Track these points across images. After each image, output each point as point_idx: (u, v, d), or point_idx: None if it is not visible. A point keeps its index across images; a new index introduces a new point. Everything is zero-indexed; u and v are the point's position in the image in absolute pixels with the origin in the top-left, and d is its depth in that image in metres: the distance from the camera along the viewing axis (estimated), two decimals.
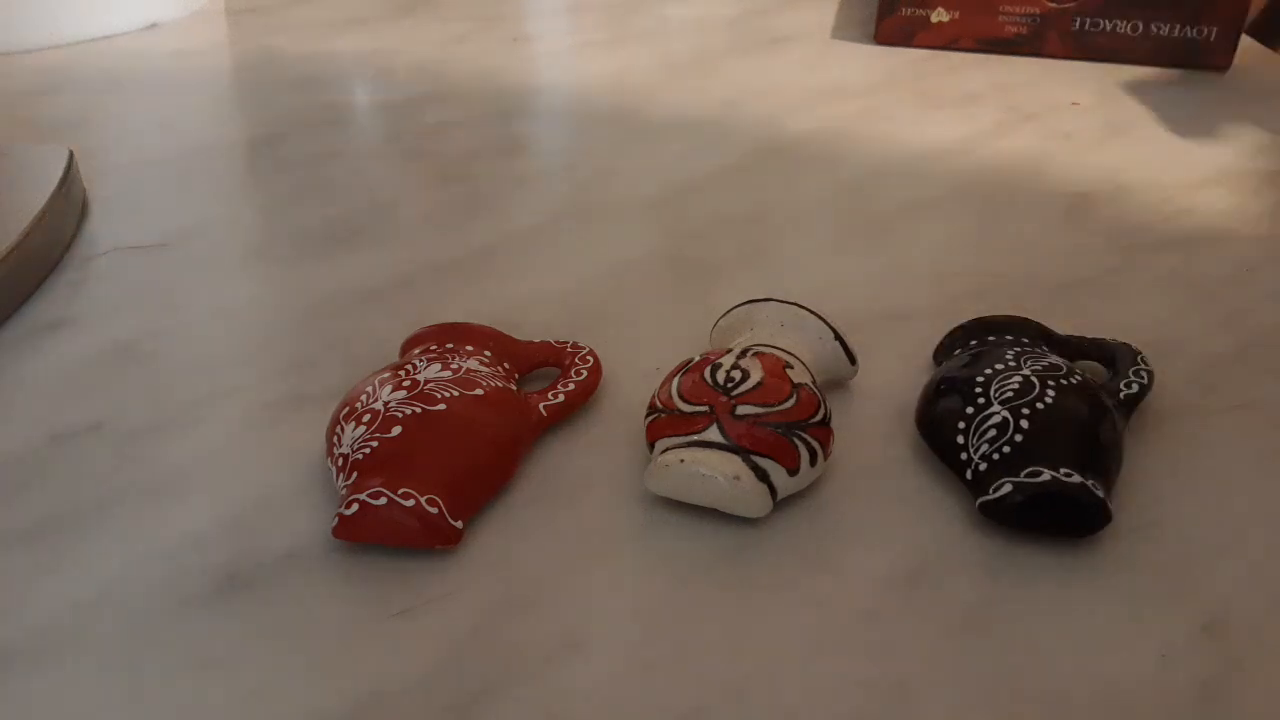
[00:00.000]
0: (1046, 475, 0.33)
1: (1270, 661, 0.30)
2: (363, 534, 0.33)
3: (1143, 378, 0.39)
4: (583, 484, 0.36)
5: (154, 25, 0.82)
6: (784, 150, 0.62)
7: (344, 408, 0.36)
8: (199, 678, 0.30)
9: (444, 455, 0.34)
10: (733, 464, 0.33)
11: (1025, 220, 0.54)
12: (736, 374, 0.35)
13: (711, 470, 0.33)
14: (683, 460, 0.34)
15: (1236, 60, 0.73)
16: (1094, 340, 0.41)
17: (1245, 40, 0.78)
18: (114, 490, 0.36)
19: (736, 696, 0.29)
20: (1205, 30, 0.72)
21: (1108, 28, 0.73)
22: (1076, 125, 0.65)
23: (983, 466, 0.34)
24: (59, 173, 0.53)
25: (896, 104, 0.69)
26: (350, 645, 0.31)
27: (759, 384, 0.35)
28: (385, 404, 0.35)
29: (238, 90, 0.75)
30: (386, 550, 0.33)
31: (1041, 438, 0.34)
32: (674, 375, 0.36)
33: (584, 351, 0.41)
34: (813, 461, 0.34)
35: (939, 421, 0.37)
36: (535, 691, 0.29)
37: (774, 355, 0.36)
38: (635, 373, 0.40)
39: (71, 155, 0.55)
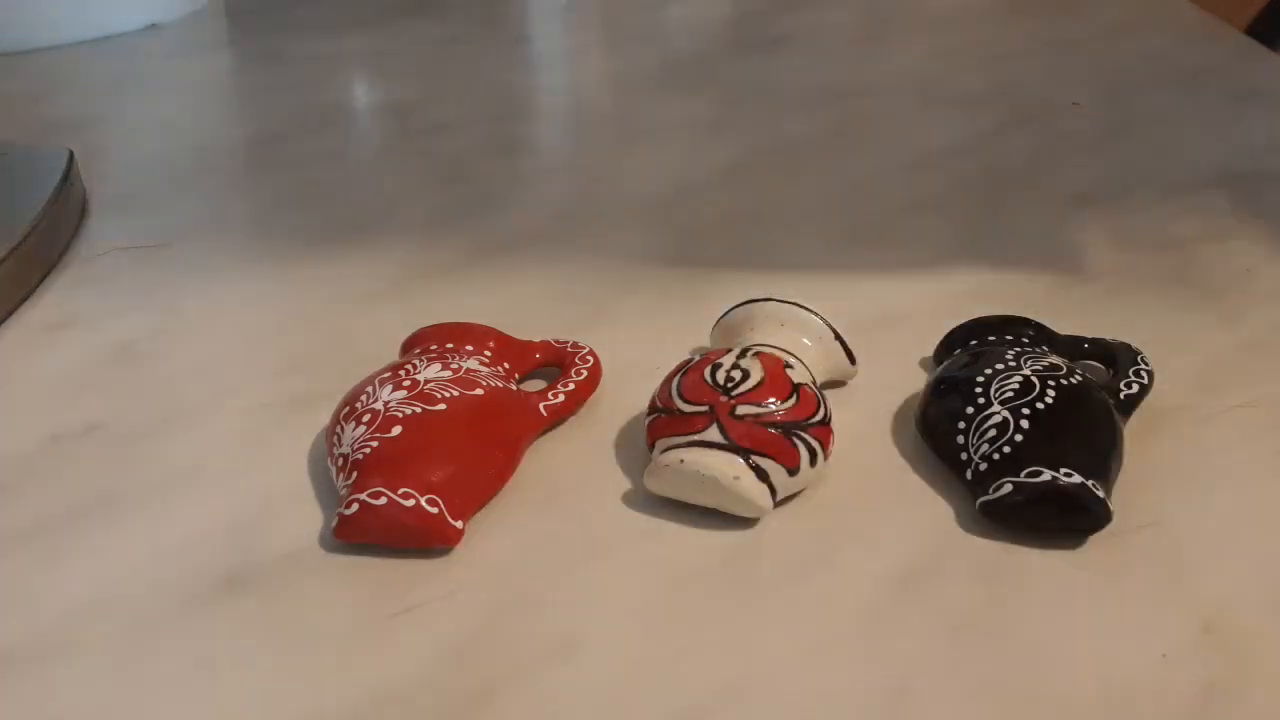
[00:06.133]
0: (1046, 475, 0.33)
1: (1270, 661, 0.30)
2: (363, 534, 0.33)
3: (1143, 378, 0.39)
4: (583, 484, 0.36)
5: (154, 25, 0.82)
6: (784, 150, 0.62)
7: (344, 408, 0.36)
8: (199, 678, 0.30)
9: (444, 455, 0.34)
10: (733, 464, 0.33)
11: (1025, 220, 0.54)
12: (736, 374, 0.35)
13: (711, 470, 0.33)
14: (683, 460, 0.34)
15: (1237, 61, 0.73)
16: (1094, 340, 0.41)
17: (1245, 40, 0.78)
18: (114, 490, 0.36)
19: (736, 696, 0.29)
20: None
21: None
22: (1076, 125, 0.65)
23: (983, 466, 0.34)
24: (59, 173, 0.53)
25: (897, 104, 0.69)
26: (350, 645, 0.31)
27: (759, 384, 0.35)
28: (385, 404, 0.35)
29: (238, 90, 0.75)
30: (386, 550, 0.33)
31: (1042, 438, 0.34)
32: (674, 375, 0.36)
33: (584, 351, 0.41)
34: (813, 461, 0.34)
35: (939, 421, 0.37)
36: (535, 691, 0.29)
37: (774, 355, 0.36)
38: (635, 373, 0.40)
39: (71, 155, 0.55)
